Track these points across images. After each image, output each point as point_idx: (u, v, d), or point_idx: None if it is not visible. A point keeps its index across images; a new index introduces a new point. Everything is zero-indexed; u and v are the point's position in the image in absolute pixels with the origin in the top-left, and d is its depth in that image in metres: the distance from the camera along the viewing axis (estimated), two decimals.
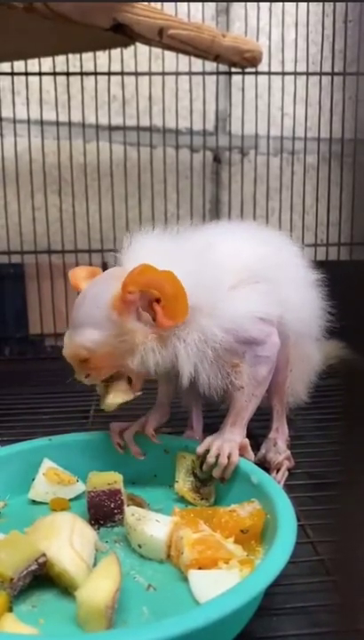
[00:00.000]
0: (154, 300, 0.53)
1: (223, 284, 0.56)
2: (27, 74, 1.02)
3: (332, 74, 1.06)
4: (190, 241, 0.58)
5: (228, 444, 0.57)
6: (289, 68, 1.06)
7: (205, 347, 0.55)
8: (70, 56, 1.02)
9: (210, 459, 0.56)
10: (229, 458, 0.56)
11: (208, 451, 0.57)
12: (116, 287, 0.53)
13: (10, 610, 0.42)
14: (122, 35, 0.77)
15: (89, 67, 1.03)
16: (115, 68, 1.02)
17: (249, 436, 0.71)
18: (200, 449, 0.58)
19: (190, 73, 1.04)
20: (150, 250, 0.56)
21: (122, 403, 0.57)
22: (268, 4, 1.04)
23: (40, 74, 1.02)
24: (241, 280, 0.57)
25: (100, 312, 0.54)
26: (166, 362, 0.55)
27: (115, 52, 1.01)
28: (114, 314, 0.53)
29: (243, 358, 0.58)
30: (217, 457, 0.56)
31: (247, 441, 0.59)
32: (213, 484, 0.58)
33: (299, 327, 0.63)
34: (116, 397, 0.57)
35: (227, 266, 0.57)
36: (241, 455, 0.57)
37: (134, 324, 0.54)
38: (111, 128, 1.06)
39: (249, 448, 0.59)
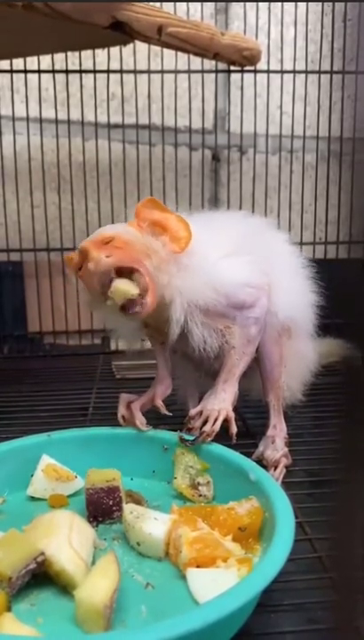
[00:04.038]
0: (161, 235, 0.59)
1: (214, 253, 0.61)
2: (25, 71, 1.02)
3: (331, 72, 1.06)
4: (190, 221, 0.61)
5: (219, 405, 0.60)
6: (288, 66, 1.06)
7: (197, 301, 0.59)
8: (69, 54, 1.02)
9: (207, 426, 0.59)
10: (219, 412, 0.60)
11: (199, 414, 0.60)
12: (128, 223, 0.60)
13: (9, 609, 0.42)
14: (121, 32, 0.77)
15: (88, 65, 1.03)
16: (114, 65, 1.02)
17: (247, 433, 0.72)
18: (192, 411, 0.61)
19: (189, 71, 1.04)
20: None
21: (128, 294, 0.56)
22: (267, 2, 1.04)
23: (39, 71, 1.02)
24: (228, 253, 0.62)
25: (121, 225, 0.60)
26: (171, 295, 0.58)
27: (114, 50, 1.01)
28: (131, 228, 0.59)
29: (234, 320, 0.61)
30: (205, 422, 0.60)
31: (232, 414, 0.61)
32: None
33: (290, 310, 0.65)
34: (124, 284, 0.56)
35: (218, 240, 0.62)
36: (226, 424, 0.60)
37: (150, 238, 0.58)
38: (110, 126, 1.06)
39: (234, 421, 0.60)
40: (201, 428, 0.59)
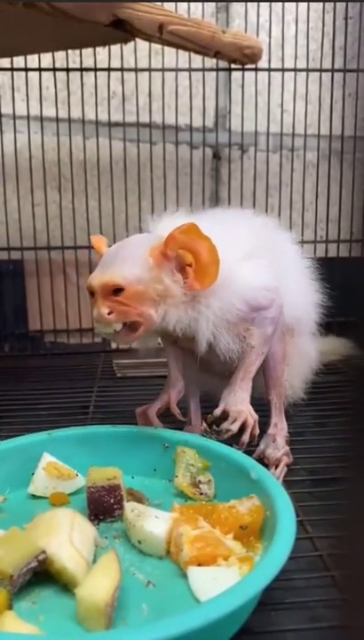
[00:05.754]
0: (187, 264, 0.57)
1: (233, 259, 0.60)
2: (26, 69, 1.02)
3: (332, 70, 1.06)
4: (204, 221, 0.60)
5: (242, 405, 0.61)
6: (289, 64, 1.06)
7: (226, 314, 0.59)
8: (70, 52, 1.02)
9: (233, 426, 0.59)
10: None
11: (223, 413, 0.60)
12: (152, 243, 0.58)
13: (10, 607, 0.42)
14: (122, 30, 0.77)
15: (88, 63, 1.03)
16: (115, 64, 1.02)
17: None
18: (217, 411, 0.61)
19: (190, 69, 1.04)
20: (176, 224, 0.58)
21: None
22: (268, 1, 1.04)
23: (39, 69, 1.02)
24: (242, 255, 0.62)
25: (139, 255, 0.57)
26: (184, 324, 0.59)
27: (115, 48, 1.01)
28: (150, 261, 0.57)
29: (253, 322, 0.62)
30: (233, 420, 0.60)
31: (256, 416, 0.61)
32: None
33: (295, 310, 0.66)
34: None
35: (233, 242, 0.62)
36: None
37: (168, 277, 0.57)
38: (111, 124, 1.06)
39: (257, 424, 0.61)
40: (226, 429, 0.60)
